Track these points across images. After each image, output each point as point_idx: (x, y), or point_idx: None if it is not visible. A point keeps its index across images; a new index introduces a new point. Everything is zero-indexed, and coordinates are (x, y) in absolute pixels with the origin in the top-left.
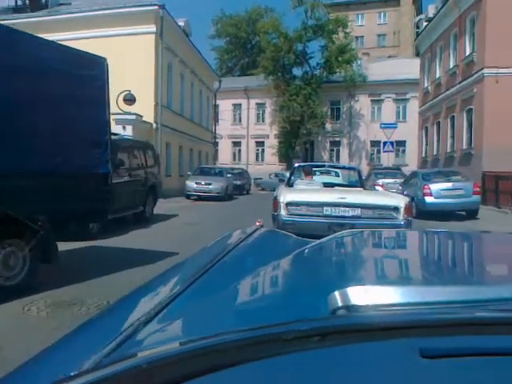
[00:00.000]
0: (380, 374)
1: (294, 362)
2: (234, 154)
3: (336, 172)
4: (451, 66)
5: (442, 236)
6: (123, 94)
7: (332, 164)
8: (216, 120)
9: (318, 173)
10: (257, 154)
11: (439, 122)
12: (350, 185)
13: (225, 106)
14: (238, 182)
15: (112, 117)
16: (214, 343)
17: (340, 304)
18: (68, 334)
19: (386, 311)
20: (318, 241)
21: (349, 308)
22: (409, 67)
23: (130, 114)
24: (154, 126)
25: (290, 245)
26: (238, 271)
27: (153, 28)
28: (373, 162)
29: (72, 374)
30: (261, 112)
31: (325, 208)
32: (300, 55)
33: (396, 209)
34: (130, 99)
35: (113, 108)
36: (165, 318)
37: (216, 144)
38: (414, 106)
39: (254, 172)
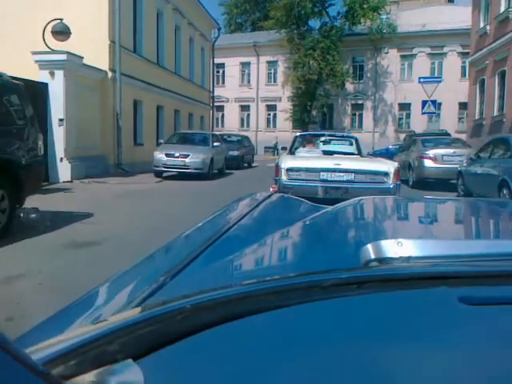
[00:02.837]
0: (418, 319)
1: (331, 308)
2: (242, 120)
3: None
4: None
5: (464, 201)
6: (51, 24)
7: (331, 133)
8: (221, 81)
9: (323, 142)
10: (268, 120)
11: (504, 71)
12: (348, 152)
13: (231, 64)
14: (236, 153)
15: (34, 57)
16: (256, 288)
17: (373, 256)
18: (95, 288)
19: (420, 263)
20: (335, 205)
21: (382, 260)
22: (448, 15)
23: (59, 52)
24: (110, 74)
25: (307, 209)
26: (262, 231)
27: None
28: (401, 128)
29: (120, 312)
30: (272, 71)
31: (321, 173)
32: (318, 2)
33: (386, 174)
34: (60, 31)
35: (36, 44)
36: (194, 270)
37: (221, 108)
38: (452, 62)
39: (264, 140)
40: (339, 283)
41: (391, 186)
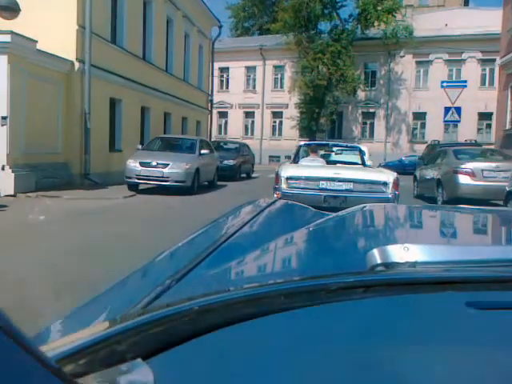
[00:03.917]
0: (425, 323)
1: (338, 311)
2: (246, 127)
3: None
4: None
5: (469, 209)
6: None
7: (335, 143)
8: (225, 86)
9: (328, 152)
10: (273, 127)
11: None
12: (352, 162)
13: (236, 69)
14: (231, 162)
15: None
16: (263, 291)
17: (379, 261)
18: (101, 293)
19: (427, 268)
20: (340, 211)
21: (388, 265)
22: (467, 19)
23: (1, 32)
24: (77, 66)
25: (312, 215)
26: (268, 236)
27: None
28: (415, 138)
29: (127, 313)
30: (279, 76)
31: (321, 182)
32: (328, 3)
33: (385, 184)
34: (6, 7)
35: None
36: (200, 274)
37: (225, 114)
38: (471, 69)
39: (269, 148)
40: (346, 287)
41: (390, 196)
